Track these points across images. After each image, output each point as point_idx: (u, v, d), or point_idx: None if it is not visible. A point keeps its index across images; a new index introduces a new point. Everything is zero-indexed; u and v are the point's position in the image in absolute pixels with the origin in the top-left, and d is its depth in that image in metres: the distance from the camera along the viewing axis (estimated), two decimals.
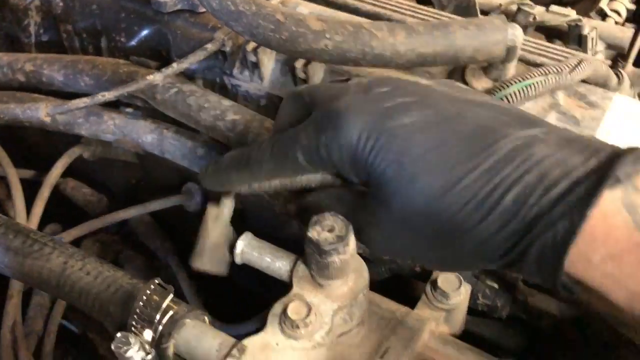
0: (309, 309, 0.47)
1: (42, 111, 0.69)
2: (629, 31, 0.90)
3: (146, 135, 0.82)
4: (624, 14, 0.97)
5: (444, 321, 0.59)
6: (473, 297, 0.64)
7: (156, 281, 0.49)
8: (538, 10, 0.91)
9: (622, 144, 0.42)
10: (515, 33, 0.63)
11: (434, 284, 0.59)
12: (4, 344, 0.64)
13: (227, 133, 0.74)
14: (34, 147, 1.02)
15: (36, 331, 0.76)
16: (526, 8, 0.89)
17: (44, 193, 0.88)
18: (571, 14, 0.90)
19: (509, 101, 0.64)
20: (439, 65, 0.67)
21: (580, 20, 0.86)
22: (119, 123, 0.83)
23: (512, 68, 0.67)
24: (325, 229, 0.46)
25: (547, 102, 0.67)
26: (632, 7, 0.99)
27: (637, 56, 0.90)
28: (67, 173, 0.93)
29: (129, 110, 0.83)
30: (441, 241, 0.42)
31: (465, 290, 0.59)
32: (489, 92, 0.65)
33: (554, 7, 0.92)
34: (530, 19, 0.89)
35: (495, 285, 0.63)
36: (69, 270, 0.53)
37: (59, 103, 0.74)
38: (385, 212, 0.43)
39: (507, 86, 0.65)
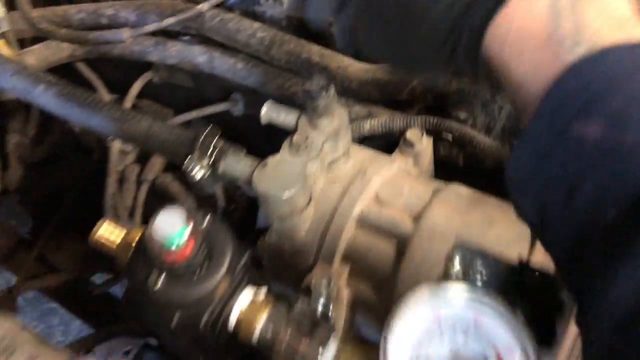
0: (306, 137, 0.72)
1: (125, 34, 0.95)
2: None
3: (199, 57, 1.08)
4: None
5: (414, 165, 0.83)
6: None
7: (209, 127, 0.75)
8: None
9: None
10: None
11: (404, 139, 0.82)
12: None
13: (257, 47, 0.99)
14: (112, 78, 1.29)
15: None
16: None
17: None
18: None
19: None
20: None
21: None
22: (179, 48, 1.09)
23: None
24: (314, 85, 0.70)
25: None
26: None
27: None
28: (139, 96, 1.21)
29: (186, 38, 1.09)
30: (402, 24, 0.46)
31: (427, 140, 0.83)
32: None
33: None
34: None
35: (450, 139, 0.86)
36: (152, 129, 0.80)
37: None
38: None
39: None
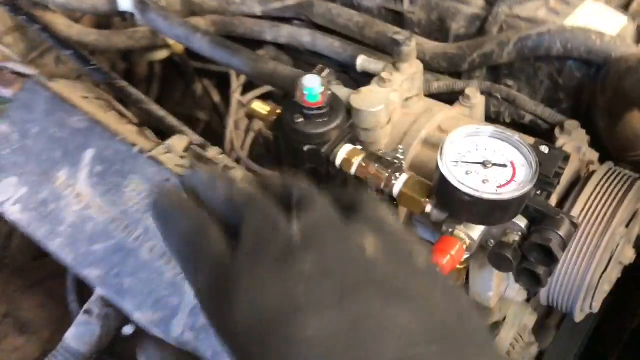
0: (391, 74, 0.99)
1: (256, 8, 1.26)
2: None
3: (305, 37, 1.38)
4: None
5: (469, 116, 1.08)
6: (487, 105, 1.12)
7: (318, 66, 1.03)
8: None
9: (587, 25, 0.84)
10: None
11: (463, 93, 1.08)
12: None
13: (353, 29, 1.28)
14: None
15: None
16: None
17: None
18: None
19: None
20: None
21: None
22: (289, 30, 1.39)
23: None
24: (401, 35, 0.98)
25: (541, 2, 1.15)
26: None
27: None
28: None
29: (296, 22, 1.40)
30: None
31: (481, 97, 1.08)
32: None
33: None
34: None
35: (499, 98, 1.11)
36: (277, 69, 1.09)
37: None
38: None
39: None
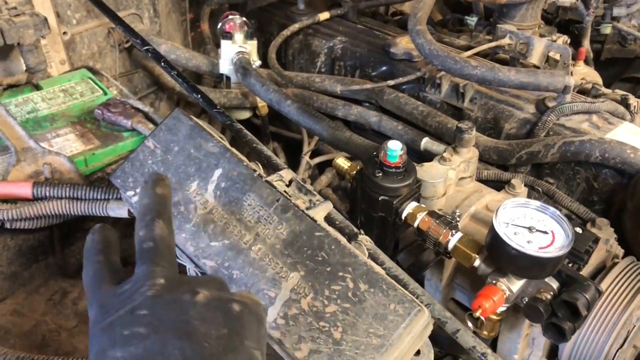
0: (451, 155, 1.16)
1: (338, 87, 1.48)
2: None
3: (372, 117, 1.58)
4: None
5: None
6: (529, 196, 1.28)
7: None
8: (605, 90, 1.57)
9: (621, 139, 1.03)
10: (570, 79, 1.31)
11: (509, 183, 1.24)
12: None
13: (417, 116, 1.48)
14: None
15: None
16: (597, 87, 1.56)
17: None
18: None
19: (566, 110, 1.31)
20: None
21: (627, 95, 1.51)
22: (359, 111, 1.60)
23: (568, 97, 1.34)
24: (464, 124, 1.16)
25: (585, 117, 1.33)
26: None
27: None
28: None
29: (366, 104, 1.61)
30: None
31: (524, 189, 1.24)
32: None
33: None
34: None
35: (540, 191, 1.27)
36: (352, 138, 1.27)
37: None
38: None
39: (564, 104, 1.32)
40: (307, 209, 0.79)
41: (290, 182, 0.84)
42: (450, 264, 1.09)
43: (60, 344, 1.03)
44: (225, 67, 1.56)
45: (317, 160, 1.63)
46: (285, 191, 0.81)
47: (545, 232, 0.82)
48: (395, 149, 0.92)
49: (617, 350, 0.97)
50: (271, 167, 0.95)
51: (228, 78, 1.61)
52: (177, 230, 0.80)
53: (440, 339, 0.86)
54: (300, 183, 0.84)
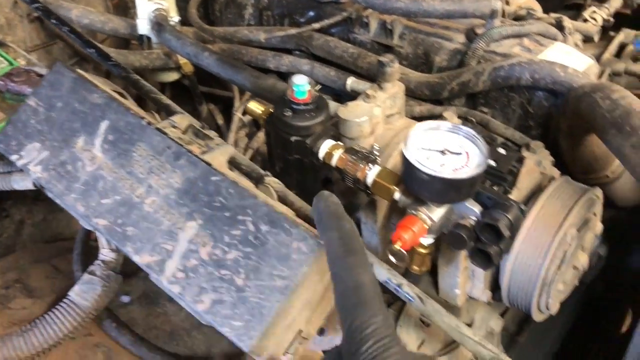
0: (375, 91, 1.11)
1: (261, 36, 1.40)
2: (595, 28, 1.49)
3: (304, 66, 1.51)
4: (599, 21, 1.55)
5: None
6: None
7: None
8: (541, 15, 1.52)
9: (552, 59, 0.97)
10: (496, 3, 1.26)
11: (441, 116, 1.19)
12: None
13: (347, 59, 1.41)
14: None
15: None
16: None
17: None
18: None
19: (494, 35, 1.26)
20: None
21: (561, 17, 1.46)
22: (290, 60, 1.52)
23: (497, 22, 1.29)
24: (386, 57, 1.10)
25: (516, 41, 1.28)
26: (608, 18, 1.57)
27: None
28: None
29: (297, 52, 1.54)
30: None
31: (458, 120, 1.19)
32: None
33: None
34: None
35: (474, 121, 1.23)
36: (276, 85, 1.21)
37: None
38: None
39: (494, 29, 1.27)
40: (203, 153, 0.73)
41: (187, 128, 0.78)
42: (383, 204, 1.04)
43: None
44: (144, 27, 1.48)
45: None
46: (180, 138, 0.75)
47: (459, 154, 0.77)
48: (301, 83, 0.86)
49: (555, 273, 0.94)
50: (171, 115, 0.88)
51: (149, 39, 1.52)
52: (65, 190, 0.74)
53: None
54: (197, 128, 0.78)
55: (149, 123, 0.74)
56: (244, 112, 1.56)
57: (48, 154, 0.76)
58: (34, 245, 1.17)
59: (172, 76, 1.59)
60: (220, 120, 1.75)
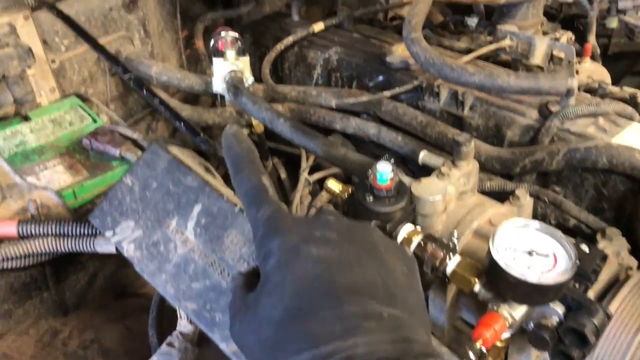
0: (449, 170, 1.11)
1: (333, 101, 1.43)
2: None
3: (371, 129, 1.53)
4: None
5: (517, 214, 1.19)
6: (535, 207, 1.22)
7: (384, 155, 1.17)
8: (613, 89, 1.50)
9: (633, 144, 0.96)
10: (573, 82, 1.25)
11: (513, 193, 1.19)
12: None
13: (416, 126, 1.43)
14: None
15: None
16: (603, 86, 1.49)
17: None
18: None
19: (570, 114, 1.25)
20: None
21: (636, 93, 1.44)
22: (358, 123, 1.55)
23: (572, 100, 1.28)
24: (462, 137, 1.11)
25: (590, 120, 1.27)
26: None
27: None
28: None
29: (364, 116, 1.56)
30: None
31: (530, 199, 1.18)
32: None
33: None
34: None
35: (546, 201, 1.21)
36: (347, 154, 1.23)
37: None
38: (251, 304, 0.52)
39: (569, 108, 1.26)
40: None
41: None
42: (453, 285, 1.04)
43: None
44: (219, 85, 1.53)
45: (317, 176, 1.59)
46: None
47: (547, 256, 0.77)
48: (385, 171, 0.87)
49: None
50: None
51: (222, 96, 1.57)
52: (157, 271, 0.77)
53: None
54: None
55: (241, 210, 0.77)
56: (309, 172, 1.59)
57: (141, 232, 0.79)
58: (106, 302, 1.20)
59: None
60: (283, 174, 1.78)
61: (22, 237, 1.04)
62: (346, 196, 0.96)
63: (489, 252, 0.77)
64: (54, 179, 1.18)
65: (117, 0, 1.59)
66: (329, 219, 0.54)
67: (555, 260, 0.77)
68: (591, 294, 0.93)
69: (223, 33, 1.57)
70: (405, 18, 1.47)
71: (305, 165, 1.54)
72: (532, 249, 0.78)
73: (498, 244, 0.78)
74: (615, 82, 1.66)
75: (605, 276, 0.98)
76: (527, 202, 1.17)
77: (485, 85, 1.28)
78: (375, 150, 1.55)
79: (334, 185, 0.99)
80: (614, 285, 1.00)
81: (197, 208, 0.78)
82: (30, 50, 1.30)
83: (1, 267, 1.05)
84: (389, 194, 0.89)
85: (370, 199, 0.89)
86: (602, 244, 1.06)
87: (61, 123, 1.32)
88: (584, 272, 0.81)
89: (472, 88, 1.32)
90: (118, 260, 1.13)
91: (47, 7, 1.36)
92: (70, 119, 1.34)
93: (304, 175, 1.49)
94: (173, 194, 0.81)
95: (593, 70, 1.77)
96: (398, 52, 1.57)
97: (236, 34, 1.56)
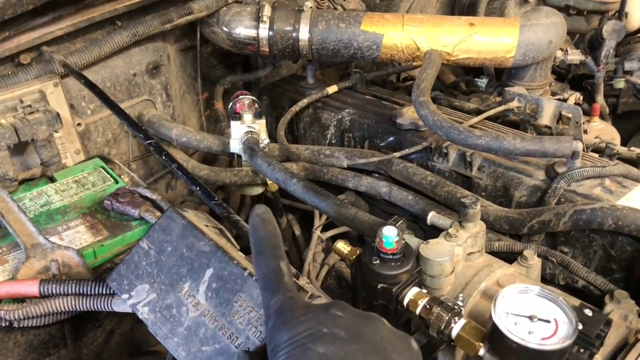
0: (457, 231, 1.14)
1: (344, 161, 1.48)
2: None
3: (382, 188, 1.57)
4: None
5: (525, 275, 1.20)
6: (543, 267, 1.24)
7: (394, 217, 1.21)
8: (621, 149, 1.53)
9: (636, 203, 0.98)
10: (578, 144, 1.29)
11: (521, 254, 1.21)
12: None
13: (425, 186, 1.46)
14: None
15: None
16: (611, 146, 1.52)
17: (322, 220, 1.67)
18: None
19: (576, 176, 1.28)
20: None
21: None
22: (369, 182, 1.59)
23: (578, 162, 1.31)
24: (468, 199, 1.14)
25: (597, 182, 1.30)
26: None
27: None
28: None
29: (375, 175, 1.60)
30: None
31: (538, 260, 1.20)
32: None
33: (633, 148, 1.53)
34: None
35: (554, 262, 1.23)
36: (357, 215, 1.26)
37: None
38: None
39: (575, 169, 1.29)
40: None
41: None
42: (459, 354, 1.05)
43: None
44: (236, 146, 1.59)
45: (330, 233, 1.62)
46: None
47: (548, 321, 0.79)
48: (390, 235, 0.91)
49: None
50: None
51: (239, 156, 1.63)
52: (169, 334, 0.80)
53: None
54: (296, 282, 0.83)
55: (251, 274, 0.80)
56: (322, 230, 1.62)
57: (155, 296, 0.82)
58: (120, 357, 1.23)
59: (257, 190, 1.68)
60: (297, 231, 1.81)
61: (43, 297, 1.08)
62: (354, 258, 0.99)
63: (490, 318, 0.79)
64: (76, 238, 1.23)
65: (140, 66, 1.68)
66: (338, 315, 0.57)
67: (557, 326, 0.78)
68: (599, 358, 0.94)
69: (241, 97, 1.64)
70: (414, 82, 1.53)
71: (318, 223, 1.58)
72: (533, 314, 0.79)
73: (499, 309, 0.80)
74: (626, 139, 1.68)
75: (613, 340, 0.98)
76: (536, 262, 1.19)
77: (492, 148, 1.32)
78: (388, 208, 1.59)
79: (342, 247, 1.03)
80: (623, 349, 1.00)
81: (209, 272, 0.82)
82: (58, 115, 1.38)
83: (22, 325, 1.09)
84: (394, 257, 0.92)
85: (377, 262, 0.92)
86: (609, 307, 1.07)
87: (84, 184, 1.39)
88: (587, 337, 0.82)
89: (479, 150, 1.36)
90: (134, 317, 1.16)
91: (75, 75, 1.44)
92: (93, 180, 1.40)
93: (316, 233, 1.52)
94: (186, 258, 0.85)
95: (602, 129, 1.80)
96: (408, 114, 1.62)
97: (253, 98, 1.63)
